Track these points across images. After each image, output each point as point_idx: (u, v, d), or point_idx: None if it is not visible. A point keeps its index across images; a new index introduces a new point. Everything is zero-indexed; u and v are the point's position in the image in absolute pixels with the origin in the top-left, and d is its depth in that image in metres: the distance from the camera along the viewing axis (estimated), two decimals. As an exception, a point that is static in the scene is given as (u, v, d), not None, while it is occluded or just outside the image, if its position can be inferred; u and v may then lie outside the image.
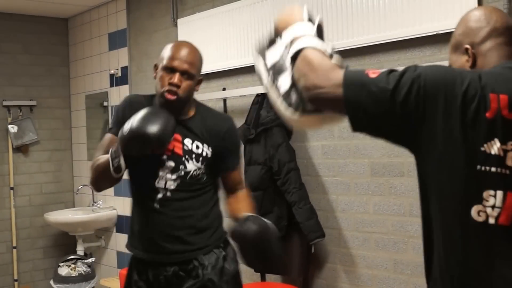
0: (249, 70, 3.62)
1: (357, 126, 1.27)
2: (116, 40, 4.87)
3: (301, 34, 1.37)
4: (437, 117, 1.20)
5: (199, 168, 2.16)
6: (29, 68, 5.27)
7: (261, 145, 3.25)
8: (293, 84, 1.38)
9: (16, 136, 5.14)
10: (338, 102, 1.25)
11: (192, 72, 2.11)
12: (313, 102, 1.32)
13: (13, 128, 5.13)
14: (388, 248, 2.96)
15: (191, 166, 2.14)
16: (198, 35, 3.88)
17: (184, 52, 2.12)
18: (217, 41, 3.74)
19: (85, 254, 4.96)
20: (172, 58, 2.10)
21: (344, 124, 3.15)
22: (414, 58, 2.80)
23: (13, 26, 5.19)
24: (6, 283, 5.06)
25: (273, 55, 1.46)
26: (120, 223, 4.91)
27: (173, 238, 2.16)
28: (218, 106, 3.75)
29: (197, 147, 2.16)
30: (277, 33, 1.46)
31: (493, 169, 1.19)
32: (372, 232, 3.02)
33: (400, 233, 2.89)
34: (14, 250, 5.11)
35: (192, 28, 3.96)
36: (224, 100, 3.77)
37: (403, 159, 2.86)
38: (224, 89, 3.80)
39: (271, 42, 1.49)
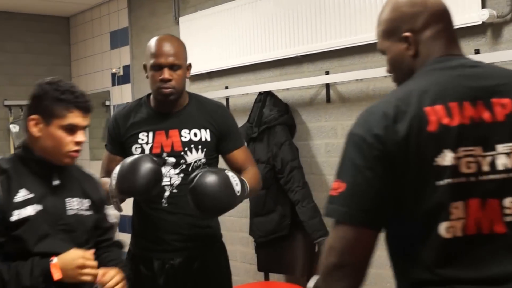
0: (252, 68, 3.61)
1: None
2: (118, 39, 4.85)
3: None
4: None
5: (199, 160, 2.18)
6: (30, 67, 5.26)
7: (264, 144, 3.23)
8: None
9: (17, 136, 5.13)
10: None
11: (179, 63, 2.16)
12: None
13: (14, 128, 5.12)
14: (393, 247, 2.94)
15: (191, 157, 2.17)
16: (200, 33, 3.86)
17: (166, 47, 2.16)
18: (219, 39, 3.72)
19: (88, 254, 4.96)
20: (156, 55, 2.16)
21: (348, 122, 3.13)
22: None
23: (15, 25, 5.18)
24: (9, 283, 5.06)
25: None
26: (123, 223, 4.90)
27: (182, 236, 2.18)
28: (221, 105, 3.74)
29: (195, 134, 2.20)
30: None
31: (449, 181, 1.13)
32: (376, 231, 3.00)
33: (405, 231, 2.87)
34: (17, 250, 5.11)
35: (194, 26, 3.94)
36: (227, 99, 3.75)
37: (407, 157, 2.84)
38: (226, 87, 3.79)
39: None
